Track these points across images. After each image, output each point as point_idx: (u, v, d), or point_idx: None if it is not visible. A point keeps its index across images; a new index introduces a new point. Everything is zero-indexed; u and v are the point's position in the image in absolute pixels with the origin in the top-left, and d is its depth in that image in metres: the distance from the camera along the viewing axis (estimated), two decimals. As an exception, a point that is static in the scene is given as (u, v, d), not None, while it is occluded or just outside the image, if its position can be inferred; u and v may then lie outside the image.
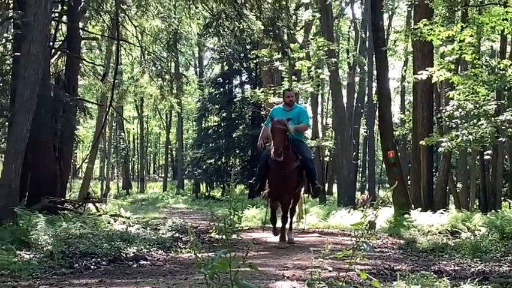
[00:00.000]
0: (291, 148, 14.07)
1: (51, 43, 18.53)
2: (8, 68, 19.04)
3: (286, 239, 15.02)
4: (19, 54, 15.11)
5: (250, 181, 16.73)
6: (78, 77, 22.53)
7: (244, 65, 47.08)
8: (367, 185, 48.95)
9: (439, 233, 17.05)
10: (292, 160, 14.05)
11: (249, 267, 5.31)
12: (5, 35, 20.68)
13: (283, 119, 14.03)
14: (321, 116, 52.24)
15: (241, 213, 5.53)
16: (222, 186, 52.17)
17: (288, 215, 15.36)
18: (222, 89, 51.57)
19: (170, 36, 23.59)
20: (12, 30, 18.87)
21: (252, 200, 37.09)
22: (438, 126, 26.18)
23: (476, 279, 7.27)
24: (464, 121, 21.24)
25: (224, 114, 50.66)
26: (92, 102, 29.48)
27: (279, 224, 15.62)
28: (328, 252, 5.59)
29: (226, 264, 4.95)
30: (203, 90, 54.49)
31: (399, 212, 19.27)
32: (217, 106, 51.18)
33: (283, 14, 20.80)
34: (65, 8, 19.61)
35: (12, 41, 19.09)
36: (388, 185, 32.40)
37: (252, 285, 5.17)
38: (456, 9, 21.41)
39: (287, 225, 15.63)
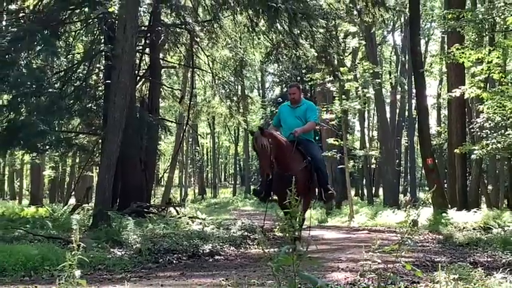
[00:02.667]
0: (295, 148, 11.30)
1: (136, 72, 18.73)
2: (101, 93, 19.29)
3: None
4: (110, 82, 15.33)
5: (255, 187, 13.95)
6: (159, 100, 22.76)
7: (301, 87, 47.14)
8: (408, 188, 48.36)
9: (473, 229, 16.80)
10: (297, 161, 11.30)
11: (309, 261, 5.31)
12: (97, 65, 20.97)
13: (261, 136, 10.72)
14: (368, 129, 52.05)
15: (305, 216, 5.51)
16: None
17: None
18: (281, 107, 51.52)
19: (237, 63, 23.69)
20: (104, 62, 19.15)
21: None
22: (470, 136, 25.88)
23: (507, 269, 7.16)
24: (493, 131, 20.97)
25: (284, 129, 50.57)
26: (171, 121, 29.70)
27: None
28: (377, 247, 5.55)
29: (289, 258, 4.95)
30: (265, 109, 54.60)
31: (438, 211, 19.08)
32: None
33: (333, 42, 20.74)
34: (147, 41, 19.83)
35: (103, 70, 19.36)
36: (427, 188, 31.97)
37: (312, 276, 5.15)
38: (484, 34, 21.20)
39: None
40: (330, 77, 24.24)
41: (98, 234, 12.38)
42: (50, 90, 17.18)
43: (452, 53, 19.18)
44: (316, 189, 11.88)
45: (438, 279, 6.22)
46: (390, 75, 48.79)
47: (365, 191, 46.50)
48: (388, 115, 41.73)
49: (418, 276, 6.22)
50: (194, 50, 21.12)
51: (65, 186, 49.45)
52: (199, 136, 59.56)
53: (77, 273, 4.30)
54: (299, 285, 5.13)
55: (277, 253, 5.21)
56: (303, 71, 26.92)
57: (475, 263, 9.46)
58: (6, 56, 16.46)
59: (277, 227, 15.40)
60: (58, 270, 6.85)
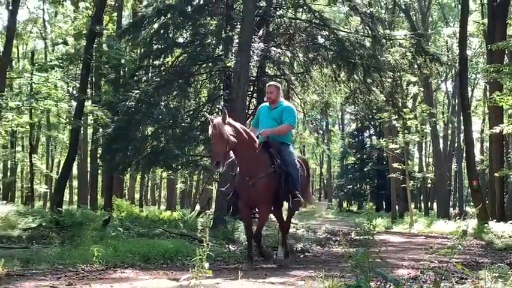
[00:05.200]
0: (264, 150, 8.55)
1: (246, 111, 18.89)
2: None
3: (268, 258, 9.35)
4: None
5: (222, 189, 10.62)
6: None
7: (372, 123, 46.66)
8: (457, 203, 47.18)
9: (509, 237, 16.29)
10: (262, 165, 8.39)
11: (380, 259, 5.24)
12: (217, 106, 21.27)
13: (221, 122, 7.97)
14: (425, 156, 51.15)
15: (374, 222, 5.45)
16: (357, 203, 51.79)
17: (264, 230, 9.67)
18: (356, 139, 51.48)
19: (323, 105, 23.58)
20: (222, 103, 19.42)
21: (377, 212, 36.57)
22: (507, 163, 25.05)
23: (539, 270, 6.88)
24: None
25: (358, 156, 50.38)
26: (272, 148, 29.77)
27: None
28: (434, 250, 5.45)
29: (365, 256, 4.90)
30: (344, 139, 54.44)
31: (481, 222, 18.49)
32: (353, 150, 51.10)
33: (398, 89, 20.52)
34: (255, 88, 20.01)
35: (222, 110, 19.62)
36: (472, 203, 31.04)
37: (382, 271, 5.08)
38: (520, 84, 20.78)
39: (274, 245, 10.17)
40: (395, 116, 24.05)
41: (216, 233, 12.53)
42: (183, 124, 17.59)
43: (493, 99, 18.88)
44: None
45: (482, 276, 6.09)
46: (443, 115, 47.81)
47: (422, 205, 45.73)
48: (441, 146, 41.07)
49: (466, 274, 6.07)
50: (290, 94, 21.18)
51: (192, 196, 50.28)
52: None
53: (206, 265, 4.39)
54: (372, 279, 5.07)
55: (355, 252, 5.17)
56: (374, 111, 26.72)
57: (511, 264, 9.12)
58: (151, 99, 16.96)
59: (354, 231, 15.22)
60: (191, 261, 7.00)
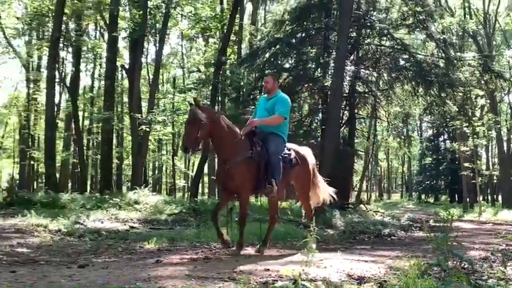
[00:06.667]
0: (246, 138, 6.83)
1: (340, 121, 18.64)
2: (318, 134, 19.42)
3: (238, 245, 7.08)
4: (324, 127, 15.48)
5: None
6: (354, 138, 22.45)
7: (446, 130, 44.88)
8: (521, 196, 44.56)
9: None
10: (238, 150, 6.65)
11: (456, 243, 5.06)
12: (317, 117, 21.12)
13: (197, 108, 6.39)
14: (491, 157, 48.75)
15: (452, 212, 5.28)
16: (433, 196, 50.09)
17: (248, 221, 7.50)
18: (433, 143, 49.81)
19: (404, 115, 22.96)
20: (321, 115, 19.30)
21: (451, 203, 35.11)
22: None
23: None
24: None
25: (434, 157, 48.69)
26: (361, 151, 29.23)
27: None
28: (501, 235, 5.20)
29: (444, 240, 4.75)
30: (422, 143, 52.84)
31: (543, 212, 17.38)
32: (430, 152, 49.53)
33: (468, 101, 19.74)
34: (347, 102, 19.68)
35: (321, 120, 19.48)
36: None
37: (459, 253, 4.90)
38: None
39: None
40: (466, 123, 23.17)
41: (317, 219, 12.41)
42: (289, 132, 17.59)
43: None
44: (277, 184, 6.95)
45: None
46: (506, 122, 45.26)
47: (489, 197, 43.74)
48: (505, 148, 38.94)
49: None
50: (376, 107, 20.77)
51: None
52: (378, 160, 58.22)
53: (314, 245, 4.42)
54: (449, 258, 4.91)
55: (436, 237, 5.02)
56: (448, 120, 25.64)
57: None
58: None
59: (432, 219, 14.60)
60: (299, 242, 7.04)
